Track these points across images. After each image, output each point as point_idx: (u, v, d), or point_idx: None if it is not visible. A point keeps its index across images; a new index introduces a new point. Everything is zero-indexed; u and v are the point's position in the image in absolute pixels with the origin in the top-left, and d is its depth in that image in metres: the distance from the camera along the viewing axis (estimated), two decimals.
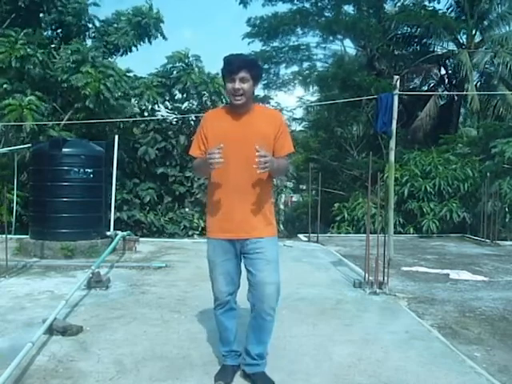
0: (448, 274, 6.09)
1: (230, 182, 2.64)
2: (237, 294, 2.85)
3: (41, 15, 10.96)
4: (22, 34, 9.70)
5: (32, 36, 9.89)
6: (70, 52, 9.83)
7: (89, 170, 6.93)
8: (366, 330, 3.77)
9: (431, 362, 3.16)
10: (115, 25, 11.69)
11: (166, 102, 11.65)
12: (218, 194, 2.70)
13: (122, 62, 11.33)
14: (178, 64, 11.28)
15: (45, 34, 11.45)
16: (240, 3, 17.31)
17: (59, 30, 11.61)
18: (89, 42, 10.74)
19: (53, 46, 10.58)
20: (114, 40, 11.45)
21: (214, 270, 2.77)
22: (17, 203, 8.79)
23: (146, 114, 11.38)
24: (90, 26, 11.83)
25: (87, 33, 11.81)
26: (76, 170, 6.84)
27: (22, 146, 8.97)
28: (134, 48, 11.88)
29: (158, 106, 11.67)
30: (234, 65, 2.59)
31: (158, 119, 11.48)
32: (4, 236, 5.95)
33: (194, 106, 11.74)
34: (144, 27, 11.59)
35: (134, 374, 2.90)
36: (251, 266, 2.69)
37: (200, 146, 2.73)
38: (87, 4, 11.67)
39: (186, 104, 11.86)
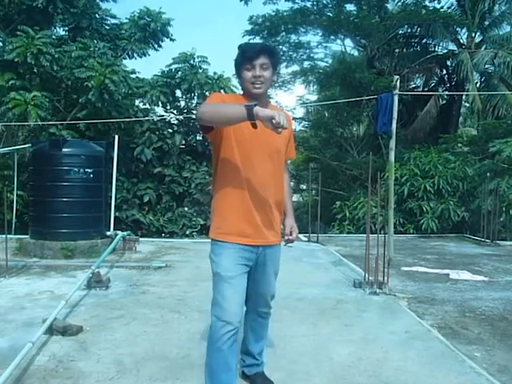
0: (448, 274, 6.09)
1: (252, 179, 2.34)
2: None
3: (55, 15, 11.09)
4: (38, 31, 9.85)
5: (46, 34, 10.00)
6: (75, 48, 10.03)
7: (89, 170, 6.94)
8: (366, 330, 3.77)
9: (431, 362, 3.16)
10: (124, 30, 11.86)
11: (167, 103, 11.71)
12: (237, 192, 2.35)
13: (127, 65, 11.44)
14: (183, 64, 11.38)
15: (55, 32, 11.61)
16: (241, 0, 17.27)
17: (73, 32, 11.75)
18: (100, 45, 10.85)
19: (64, 46, 10.69)
20: (125, 45, 11.60)
21: (227, 285, 2.31)
22: (17, 203, 8.81)
23: (147, 114, 11.43)
24: (104, 31, 12.03)
25: (100, 36, 11.95)
26: (76, 169, 6.85)
27: (22, 146, 8.99)
28: (143, 55, 12.10)
29: (164, 106, 11.75)
30: (252, 50, 2.35)
31: (163, 118, 11.52)
32: (4, 236, 5.96)
33: (193, 106, 11.78)
34: (152, 33, 11.75)
35: (133, 374, 2.90)
36: (260, 277, 2.49)
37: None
38: (108, 15, 12.06)
39: (183, 103, 11.92)
